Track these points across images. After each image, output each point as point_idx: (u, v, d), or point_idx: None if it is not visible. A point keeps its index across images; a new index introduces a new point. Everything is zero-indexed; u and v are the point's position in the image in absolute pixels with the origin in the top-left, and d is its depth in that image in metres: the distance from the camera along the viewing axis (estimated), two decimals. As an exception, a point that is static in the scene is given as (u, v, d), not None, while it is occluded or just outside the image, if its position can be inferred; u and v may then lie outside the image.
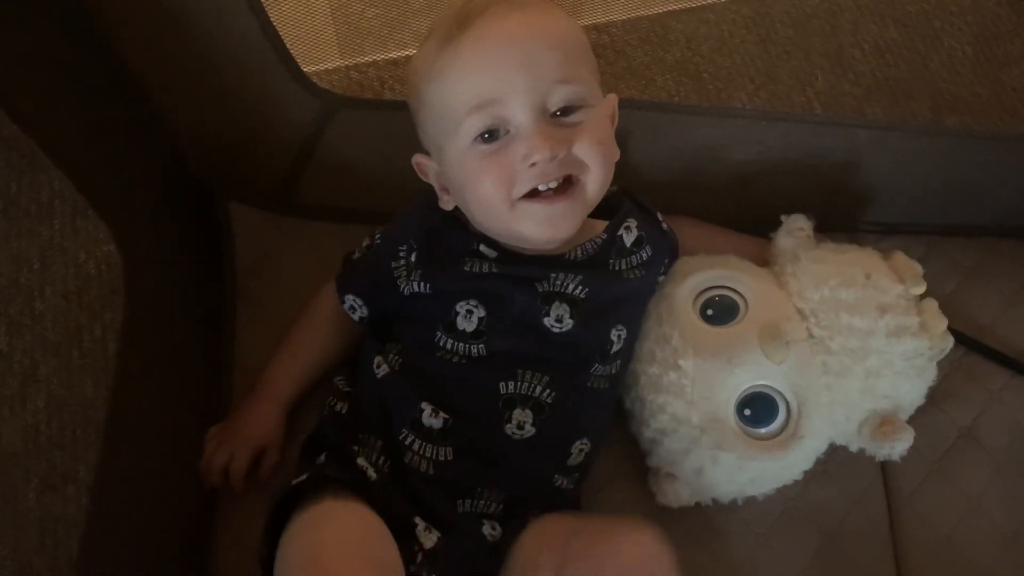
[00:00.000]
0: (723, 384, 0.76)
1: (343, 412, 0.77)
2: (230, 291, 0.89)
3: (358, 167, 0.87)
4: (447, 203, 0.76)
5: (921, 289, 0.79)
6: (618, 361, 0.78)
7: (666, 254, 0.82)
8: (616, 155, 0.73)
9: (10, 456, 0.95)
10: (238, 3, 0.69)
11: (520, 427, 0.72)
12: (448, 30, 0.68)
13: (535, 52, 0.67)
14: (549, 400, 0.73)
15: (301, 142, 0.85)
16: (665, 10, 1.25)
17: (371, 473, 0.69)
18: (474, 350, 0.73)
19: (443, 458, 0.71)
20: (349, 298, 0.80)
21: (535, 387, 0.73)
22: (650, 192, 0.86)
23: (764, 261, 0.84)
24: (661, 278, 0.82)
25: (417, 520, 0.67)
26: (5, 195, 1.12)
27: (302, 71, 0.78)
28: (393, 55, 1.18)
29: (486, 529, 0.71)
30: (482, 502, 0.72)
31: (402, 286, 0.76)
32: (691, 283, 0.80)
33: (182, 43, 0.72)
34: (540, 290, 0.74)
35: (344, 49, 1.19)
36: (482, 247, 0.75)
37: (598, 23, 1.21)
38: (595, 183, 0.71)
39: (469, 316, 0.73)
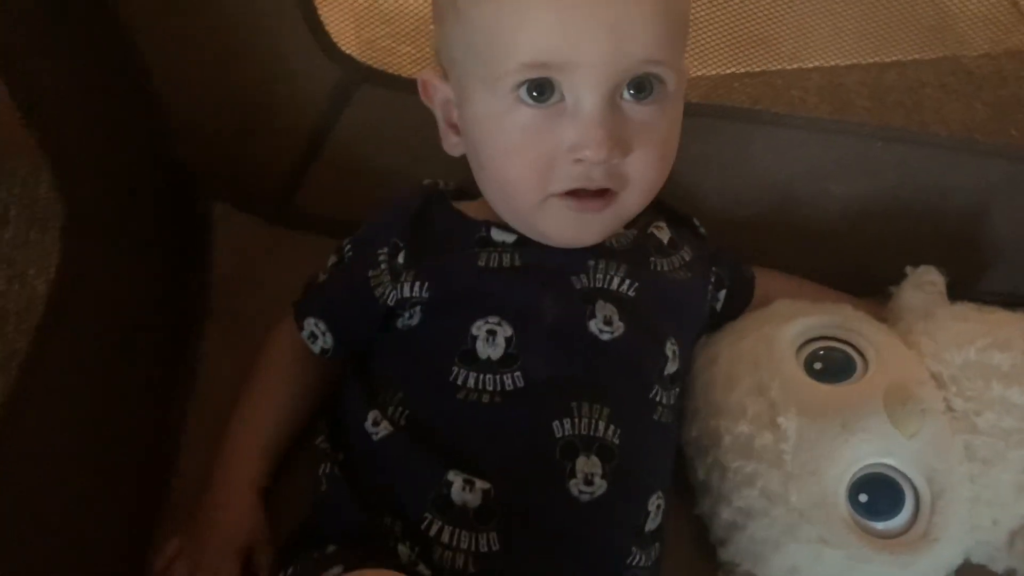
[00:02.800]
0: (834, 456, 0.58)
1: (346, 483, 0.57)
2: (199, 309, 0.72)
3: (376, 167, 0.72)
4: (454, 146, 0.60)
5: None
6: (676, 388, 0.61)
7: (709, 261, 0.66)
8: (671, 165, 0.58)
9: None
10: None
11: (588, 482, 0.53)
12: None
13: (631, 18, 0.50)
14: (616, 440, 0.55)
15: (312, 125, 0.69)
16: (728, 72, 1.14)
17: (423, 571, 0.51)
18: (507, 381, 0.55)
19: (487, 548, 0.52)
20: (309, 322, 0.62)
21: (597, 423, 0.55)
22: (727, 233, 0.70)
23: (882, 321, 0.67)
24: (720, 293, 0.67)
25: None
26: (-45, 200, 0.97)
27: (321, 24, 0.64)
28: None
29: None
30: None
31: (383, 294, 0.59)
32: (796, 327, 0.63)
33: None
34: (578, 286, 0.58)
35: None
36: (494, 232, 0.59)
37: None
38: (634, 205, 0.57)
39: (492, 339, 0.56)
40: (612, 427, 0.55)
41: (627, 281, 0.59)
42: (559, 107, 0.52)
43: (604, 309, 0.58)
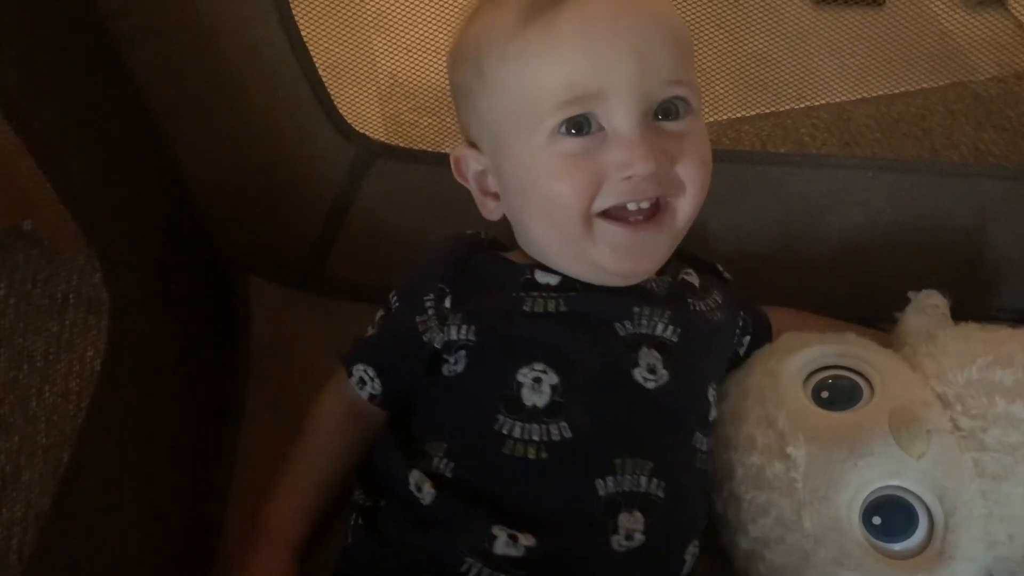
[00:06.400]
0: (844, 481, 0.59)
1: (376, 538, 0.59)
2: (240, 375, 0.77)
3: (398, 232, 0.76)
4: (492, 211, 0.63)
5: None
6: (712, 434, 0.63)
7: (736, 305, 0.68)
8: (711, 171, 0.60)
9: (-27, 577, 0.80)
10: (265, 10, 0.61)
11: (629, 536, 0.55)
12: (534, 1, 0.55)
13: (648, 42, 0.54)
14: (661, 493, 0.56)
15: (334, 199, 0.74)
16: (737, 116, 1.18)
17: None
18: (555, 432, 0.55)
19: None
20: (358, 368, 0.63)
21: (639, 478, 0.56)
22: (732, 271, 0.73)
23: (888, 347, 0.69)
24: (745, 339, 0.68)
25: None
26: (20, 291, 1.05)
27: (335, 108, 0.69)
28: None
29: None
30: None
31: (431, 338, 0.60)
32: (801, 359, 0.65)
33: (201, 61, 0.64)
34: (622, 333, 0.59)
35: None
36: (538, 274, 0.60)
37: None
38: (688, 209, 0.58)
39: (538, 386, 0.56)
40: (655, 480, 0.56)
41: (671, 327, 0.60)
42: (599, 135, 0.55)
43: (648, 356, 0.58)
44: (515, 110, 0.57)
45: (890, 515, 0.59)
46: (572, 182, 0.55)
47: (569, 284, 0.60)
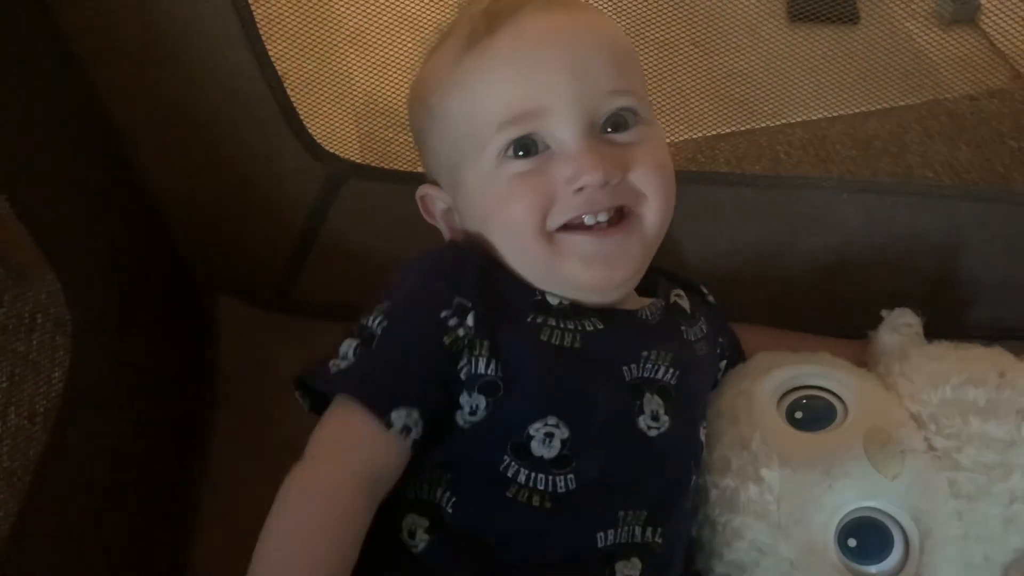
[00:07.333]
0: (819, 503, 0.59)
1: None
2: (208, 398, 0.75)
3: (370, 252, 0.75)
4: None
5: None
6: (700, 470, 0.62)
7: (720, 332, 0.67)
8: (672, 175, 0.59)
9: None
10: (232, 32, 0.60)
11: None
12: (472, 32, 0.56)
13: (583, 56, 0.55)
14: (659, 539, 0.56)
15: (305, 219, 0.74)
16: (712, 134, 1.18)
17: None
18: (560, 484, 0.53)
19: None
20: (399, 415, 0.52)
21: (634, 529, 0.55)
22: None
23: (861, 364, 0.69)
24: (722, 364, 0.67)
25: None
26: (-16, 312, 1.03)
27: (305, 128, 0.68)
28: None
29: None
30: None
31: (463, 367, 0.54)
32: (774, 379, 0.64)
33: (167, 81, 0.63)
34: (628, 378, 0.57)
35: (368, 173, 1.11)
36: (548, 296, 0.57)
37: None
38: (655, 215, 0.57)
39: (549, 440, 0.53)
40: (652, 529, 0.55)
41: (671, 370, 0.58)
42: (546, 154, 0.55)
43: (651, 403, 0.57)
44: (462, 138, 0.57)
45: (866, 537, 0.59)
46: (522, 200, 0.55)
47: (579, 306, 0.57)
